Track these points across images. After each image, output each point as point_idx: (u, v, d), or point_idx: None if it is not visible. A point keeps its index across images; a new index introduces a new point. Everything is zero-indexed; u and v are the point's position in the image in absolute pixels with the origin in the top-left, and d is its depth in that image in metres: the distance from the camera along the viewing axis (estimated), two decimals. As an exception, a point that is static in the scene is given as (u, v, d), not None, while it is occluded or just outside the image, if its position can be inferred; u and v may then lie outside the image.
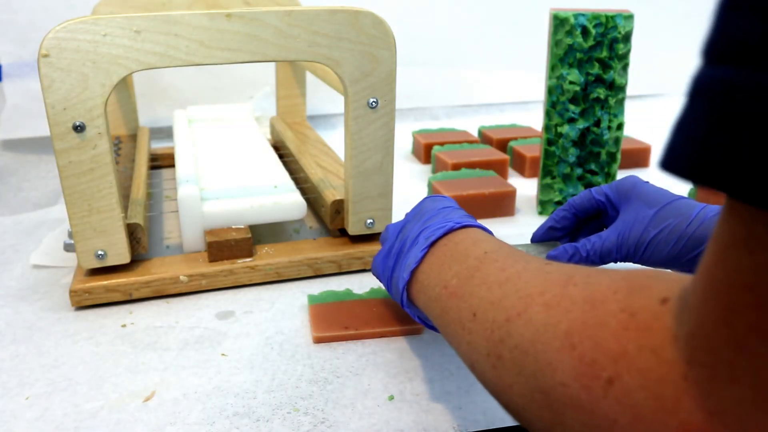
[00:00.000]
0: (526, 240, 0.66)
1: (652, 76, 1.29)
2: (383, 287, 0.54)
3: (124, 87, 0.86)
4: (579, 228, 0.55)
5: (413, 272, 0.39)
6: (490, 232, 0.41)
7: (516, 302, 0.29)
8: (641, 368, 0.21)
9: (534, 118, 1.12)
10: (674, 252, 0.45)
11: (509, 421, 0.40)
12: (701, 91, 0.18)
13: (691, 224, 0.45)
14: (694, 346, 0.20)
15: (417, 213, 0.45)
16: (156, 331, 0.50)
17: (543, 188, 0.71)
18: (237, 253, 0.56)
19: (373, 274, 0.48)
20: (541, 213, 0.73)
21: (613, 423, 0.22)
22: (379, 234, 0.60)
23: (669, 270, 0.27)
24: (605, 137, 0.67)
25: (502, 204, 0.72)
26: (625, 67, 0.66)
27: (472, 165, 0.81)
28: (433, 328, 0.41)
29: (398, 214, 0.72)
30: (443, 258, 0.38)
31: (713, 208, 0.46)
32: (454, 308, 0.34)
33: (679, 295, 0.22)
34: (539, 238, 0.54)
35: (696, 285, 0.20)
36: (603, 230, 0.53)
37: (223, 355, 0.47)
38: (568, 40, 0.65)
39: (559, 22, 0.65)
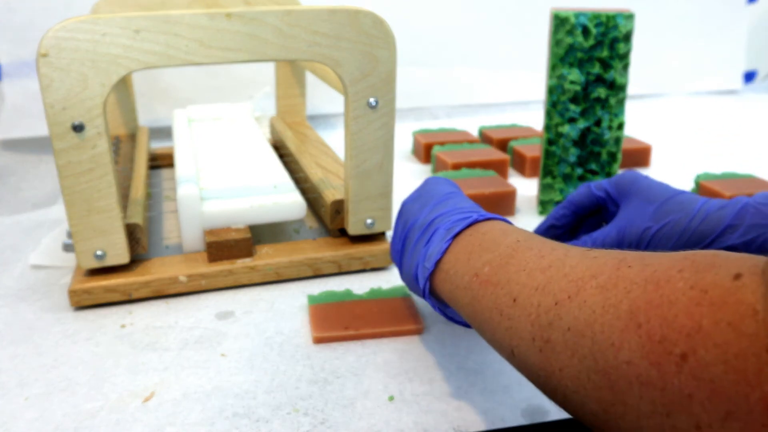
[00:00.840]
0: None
1: (652, 76, 1.29)
2: (383, 287, 0.54)
3: (123, 86, 0.86)
4: (579, 224, 0.54)
5: (437, 263, 0.39)
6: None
7: (565, 286, 0.28)
8: (718, 342, 0.21)
9: (534, 118, 1.12)
10: (677, 247, 0.45)
11: (509, 421, 0.40)
12: None
13: (694, 219, 0.45)
14: None
15: (420, 196, 0.45)
16: (155, 332, 0.50)
17: (543, 188, 0.71)
18: (237, 253, 0.56)
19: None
20: (541, 213, 0.73)
21: (689, 398, 0.21)
22: (379, 234, 0.60)
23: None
24: (606, 137, 0.67)
25: (503, 204, 0.72)
26: (625, 67, 0.65)
27: (472, 165, 0.81)
28: (452, 319, 0.41)
29: (398, 214, 0.72)
30: (470, 247, 0.37)
31: (715, 202, 0.45)
32: (488, 295, 0.33)
33: (753, 270, 0.22)
34: None
35: None
36: (603, 226, 0.53)
37: (222, 355, 0.47)
38: (569, 40, 0.65)
39: (559, 22, 0.65)
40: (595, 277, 0.27)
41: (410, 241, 0.43)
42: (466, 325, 0.41)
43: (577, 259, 0.29)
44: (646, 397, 0.23)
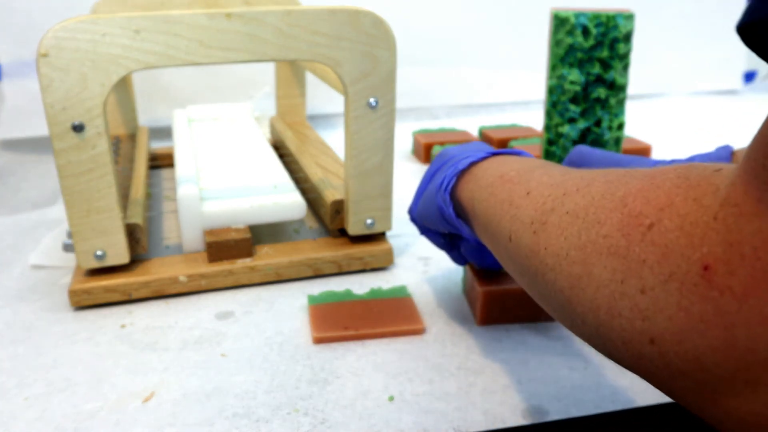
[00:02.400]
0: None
1: (653, 76, 1.29)
2: (383, 287, 0.54)
3: (123, 86, 0.86)
4: None
5: (472, 164, 0.41)
6: None
7: (578, 182, 0.30)
8: (681, 213, 0.22)
9: (534, 118, 1.12)
10: None
11: (509, 422, 0.40)
12: None
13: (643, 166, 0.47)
14: (730, 191, 0.21)
15: (463, 147, 0.46)
16: (155, 332, 0.50)
17: (543, 188, 0.71)
18: (237, 253, 0.56)
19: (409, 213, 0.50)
20: (541, 213, 0.72)
21: (643, 263, 0.22)
22: (379, 234, 0.60)
23: None
24: (606, 137, 0.67)
25: (503, 204, 0.72)
26: (625, 67, 0.65)
27: (472, 165, 0.81)
28: (459, 227, 0.42)
29: (398, 214, 0.72)
30: (505, 160, 0.39)
31: (666, 161, 0.47)
32: (505, 191, 0.35)
33: (733, 167, 0.23)
34: None
35: (748, 148, 0.21)
36: None
37: (222, 355, 0.47)
38: (569, 40, 0.65)
39: (559, 22, 0.65)
40: (606, 175, 0.29)
41: (445, 167, 0.44)
42: (469, 250, 0.43)
43: (597, 170, 0.31)
44: (608, 265, 0.24)
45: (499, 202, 0.35)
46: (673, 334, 0.21)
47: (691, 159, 0.47)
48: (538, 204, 0.31)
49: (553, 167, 0.35)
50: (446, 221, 0.43)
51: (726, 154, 0.46)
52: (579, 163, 0.51)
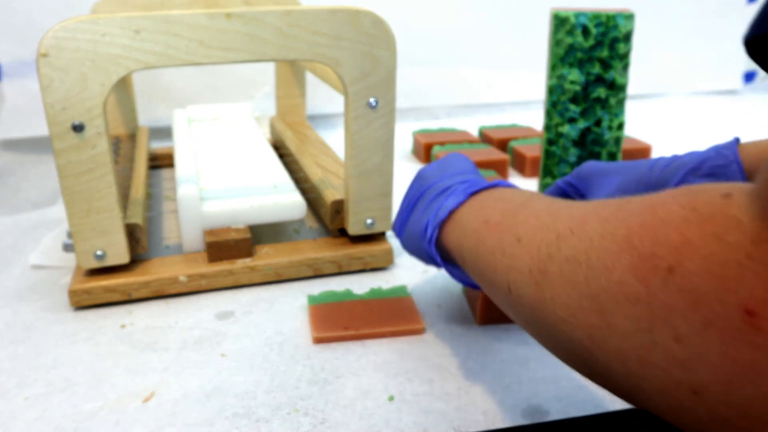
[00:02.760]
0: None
1: (652, 76, 1.29)
2: (383, 287, 0.54)
3: (123, 86, 0.86)
4: None
5: (451, 212, 0.39)
6: None
7: (568, 221, 0.28)
8: (704, 254, 0.21)
9: (534, 118, 1.12)
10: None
11: (509, 421, 0.40)
12: None
13: (655, 167, 0.47)
14: (759, 227, 0.20)
15: (440, 166, 0.45)
16: (155, 332, 0.50)
17: (543, 188, 0.71)
18: (237, 253, 0.56)
19: (393, 229, 0.49)
20: (541, 213, 0.72)
21: (671, 311, 0.21)
22: (379, 234, 0.60)
23: None
24: (606, 137, 0.67)
25: (503, 204, 0.72)
26: (625, 67, 0.65)
27: (472, 165, 0.81)
28: (451, 272, 0.42)
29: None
30: (485, 201, 0.38)
31: (666, 158, 0.48)
32: (494, 239, 0.34)
33: (742, 190, 0.22)
34: None
35: (764, 172, 0.20)
36: None
37: (222, 355, 0.47)
38: (569, 40, 0.65)
39: (559, 22, 0.65)
40: (598, 212, 0.27)
41: (425, 199, 0.44)
42: (464, 282, 0.42)
43: (583, 205, 0.30)
44: (631, 315, 0.23)
45: (489, 252, 0.34)
46: (719, 384, 0.20)
47: (707, 150, 0.47)
48: (533, 251, 0.30)
49: (537, 202, 0.34)
50: (437, 265, 0.42)
51: (729, 153, 0.45)
52: (587, 175, 0.51)
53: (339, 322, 0.49)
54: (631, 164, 0.49)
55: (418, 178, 0.47)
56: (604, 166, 0.51)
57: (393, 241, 0.64)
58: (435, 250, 0.41)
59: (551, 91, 0.67)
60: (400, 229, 0.47)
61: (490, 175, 0.75)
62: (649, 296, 0.22)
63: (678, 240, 0.22)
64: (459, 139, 0.94)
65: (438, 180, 0.44)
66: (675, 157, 0.48)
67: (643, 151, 0.91)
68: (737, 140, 0.46)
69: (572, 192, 0.52)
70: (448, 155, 0.48)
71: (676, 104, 1.29)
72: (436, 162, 0.47)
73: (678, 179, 0.45)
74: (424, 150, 0.93)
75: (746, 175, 0.44)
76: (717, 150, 0.46)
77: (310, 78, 0.98)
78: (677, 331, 0.21)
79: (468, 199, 0.39)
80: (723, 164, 0.45)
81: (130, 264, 0.54)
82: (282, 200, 0.59)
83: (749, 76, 1.39)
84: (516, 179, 0.86)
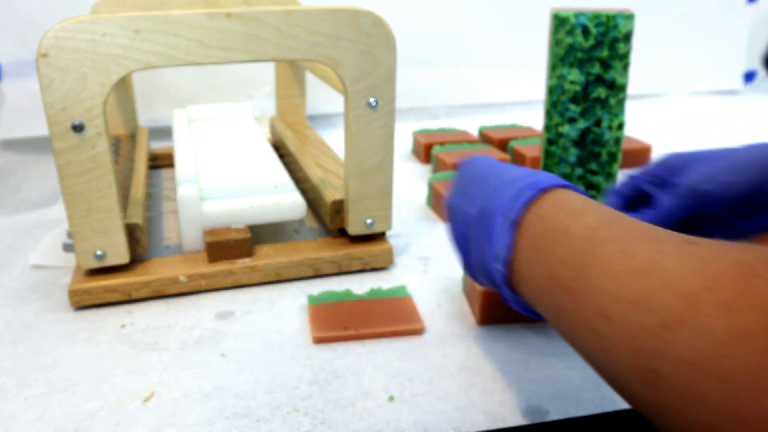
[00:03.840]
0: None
1: (652, 76, 1.29)
2: (383, 287, 0.54)
3: (123, 86, 0.86)
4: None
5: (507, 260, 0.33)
6: (578, 190, 0.34)
7: (672, 302, 0.22)
8: None
9: (534, 118, 1.12)
10: None
11: (509, 422, 0.40)
12: None
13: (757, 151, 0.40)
14: None
15: (462, 191, 0.39)
16: (155, 332, 0.50)
17: (543, 188, 0.71)
18: (237, 253, 0.56)
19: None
20: (541, 213, 0.72)
21: None
22: (379, 234, 0.60)
23: None
24: (606, 137, 0.67)
25: (503, 204, 0.72)
26: (625, 67, 0.65)
27: (472, 165, 0.81)
28: (539, 316, 0.34)
29: (398, 214, 0.72)
30: (536, 241, 0.32)
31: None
32: (571, 306, 0.28)
33: None
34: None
35: None
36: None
37: (222, 355, 0.47)
38: (569, 40, 0.65)
39: (559, 22, 0.65)
40: (713, 291, 0.21)
41: (471, 235, 0.38)
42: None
43: (677, 258, 0.24)
44: None
45: (574, 324, 0.28)
46: None
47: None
48: (632, 340, 0.24)
49: (602, 244, 0.27)
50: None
51: None
52: (681, 164, 0.44)
53: (339, 322, 0.49)
54: (722, 151, 0.43)
55: (451, 212, 0.41)
56: (693, 154, 0.44)
57: (393, 241, 0.64)
58: (517, 305, 0.36)
59: (551, 91, 0.67)
60: (469, 272, 0.41)
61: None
62: None
63: None
64: (459, 139, 0.94)
65: (469, 212, 0.37)
66: None
67: (643, 151, 0.91)
68: None
69: (652, 185, 0.46)
70: (462, 170, 0.42)
71: (676, 104, 1.29)
72: (456, 186, 0.41)
73: None
74: (424, 150, 0.93)
75: None
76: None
77: (310, 78, 0.98)
78: None
79: (517, 239, 0.33)
80: None
81: (130, 264, 0.54)
82: (282, 200, 0.59)
83: (749, 76, 1.40)
84: (516, 179, 0.85)
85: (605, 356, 0.26)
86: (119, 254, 0.52)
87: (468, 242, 0.38)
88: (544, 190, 0.33)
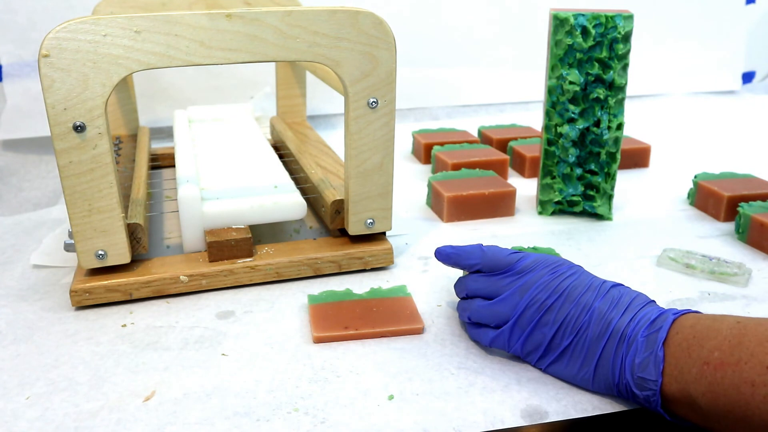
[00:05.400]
0: (528, 241, 0.66)
1: (652, 76, 1.29)
2: (383, 287, 0.54)
3: (124, 87, 0.86)
4: None
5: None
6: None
7: None
8: None
9: (534, 118, 1.12)
10: None
11: (509, 422, 0.40)
12: None
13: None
14: None
15: (565, 292, 0.43)
16: (156, 331, 0.50)
17: (543, 188, 0.72)
18: (237, 253, 0.56)
19: (486, 344, 0.46)
20: (540, 213, 0.73)
21: None
22: (379, 234, 0.60)
23: None
24: (605, 137, 0.68)
25: (502, 204, 0.72)
26: (624, 67, 0.66)
27: (472, 165, 0.81)
28: (688, 425, 0.38)
29: (398, 214, 0.72)
30: (685, 343, 0.37)
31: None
32: (728, 375, 0.34)
33: None
34: None
35: None
36: None
37: (223, 354, 0.47)
38: (568, 41, 0.65)
39: (559, 23, 0.65)
40: None
41: (578, 345, 0.42)
42: (689, 425, 0.39)
43: None
44: None
45: (731, 389, 0.34)
46: None
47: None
48: None
49: (754, 327, 0.35)
50: (640, 405, 0.40)
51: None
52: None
53: (339, 322, 0.49)
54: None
55: (548, 313, 0.43)
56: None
57: (393, 241, 0.65)
58: (664, 413, 0.38)
59: (550, 91, 0.67)
60: (503, 342, 0.45)
61: (490, 176, 0.75)
62: None
63: None
64: (459, 139, 0.94)
65: (572, 313, 0.42)
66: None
67: (642, 152, 0.91)
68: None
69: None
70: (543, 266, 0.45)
71: (675, 104, 1.29)
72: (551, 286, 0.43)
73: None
74: (424, 150, 0.93)
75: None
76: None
77: (310, 78, 0.98)
78: None
79: (665, 352, 0.38)
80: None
81: (131, 264, 0.54)
82: (282, 200, 0.59)
83: (748, 77, 1.40)
84: (516, 179, 0.86)
85: None
86: (120, 254, 0.52)
87: (577, 342, 0.42)
88: (678, 314, 0.40)
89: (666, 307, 0.42)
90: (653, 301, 0.43)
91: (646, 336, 0.39)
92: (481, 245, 0.47)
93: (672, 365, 0.37)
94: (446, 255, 0.48)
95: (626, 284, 0.56)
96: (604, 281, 0.44)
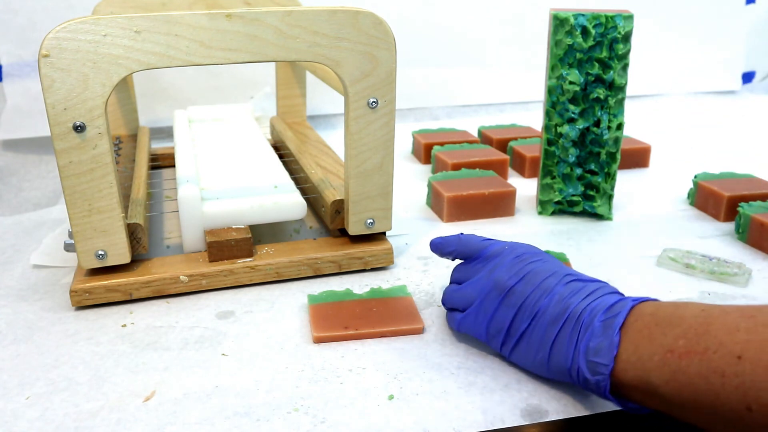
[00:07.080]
0: (528, 241, 0.66)
1: (652, 76, 1.29)
2: (383, 287, 0.54)
3: (124, 87, 0.86)
4: None
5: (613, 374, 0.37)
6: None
7: None
8: None
9: (534, 118, 1.12)
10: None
11: (509, 421, 0.40)
12: None
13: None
14: None
15: (527, 275, 0.43)
16: (156, 331, 0.50)
17: (543, 188, 0.72)
18: (237, 253, 0.56)
19: (455, 329, 0.47)
20: (540, 213, 0.73)
21: None
22: (379, 234, 0.60)
23: None
24: (605, 137, 0.68)
25: (502, 204, 0.72)
26: (624, 67, 0.66)
27: (472, 165, 0.81)
28: (638, 410, 0.38)
29: (398, 214, 0.73)
30: (645, 330, 0.36)
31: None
32: (695, 364, 0.33)
33: None
34: None
35: None
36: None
37: (223, 354, 0.47)
38: (568, 41, 0.65)
39: (559, 23, 0.65)
40: None
41: (536, 329, 0.42)
42: (641, 411, 0.39)
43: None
44: None
45: (698, 378, 0.33)
46: None
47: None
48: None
49: (721, 315, 0.34)
50: (590, 390, 0.39)
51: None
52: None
53: (339, 322, 0.49)
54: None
55: (509, 296, 0.43)
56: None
57: (393, 240, 0.65)
58: (613, 398, 0.38)
59: (550, 91, 0.67)
60: (462, 324, 0.46)
61: (490, 176, 0.75)
62: None
63: None
64: (459, 139, 0.94)
65: (539, 299, 0.42)
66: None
67: (642, 152, 0.91)
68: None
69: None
70: (531, 253, 0.45)
71: (675, 104, 1.29)
72: (507, 268, 0.44)
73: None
74: (424, 150, 0.93)
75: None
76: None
77: (310, 78, 0.98)
78: None
79: (621, 337, 0.37)
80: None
81: (131, 264, 0.54)
82: (282, 200, 0.59)
83: (748, 77, 1.40)
84: (516, 179, 0.86)
85: (741, 390, 0.31)
86: (120, 254, 0.52)
87: (531, 329, 0.42)
88: (641, 301, 0.39)
89: None
90: (618, 291, 0.42)
91: (602, 321, 0.38)
92: (460, 234, 0.49)
93: (629, 351, 0.36)
94: (434, 245, 0.50)
95: (626, 284, 0.56)
96: (571, 272, 0.44)
